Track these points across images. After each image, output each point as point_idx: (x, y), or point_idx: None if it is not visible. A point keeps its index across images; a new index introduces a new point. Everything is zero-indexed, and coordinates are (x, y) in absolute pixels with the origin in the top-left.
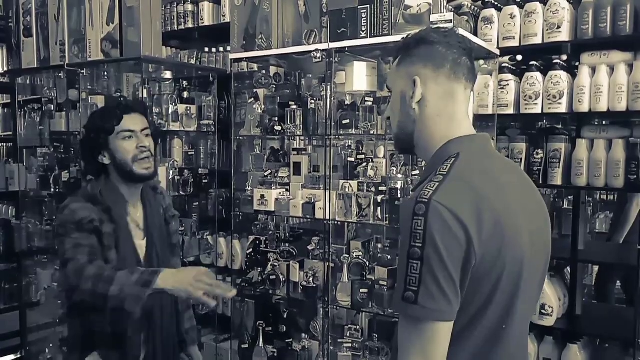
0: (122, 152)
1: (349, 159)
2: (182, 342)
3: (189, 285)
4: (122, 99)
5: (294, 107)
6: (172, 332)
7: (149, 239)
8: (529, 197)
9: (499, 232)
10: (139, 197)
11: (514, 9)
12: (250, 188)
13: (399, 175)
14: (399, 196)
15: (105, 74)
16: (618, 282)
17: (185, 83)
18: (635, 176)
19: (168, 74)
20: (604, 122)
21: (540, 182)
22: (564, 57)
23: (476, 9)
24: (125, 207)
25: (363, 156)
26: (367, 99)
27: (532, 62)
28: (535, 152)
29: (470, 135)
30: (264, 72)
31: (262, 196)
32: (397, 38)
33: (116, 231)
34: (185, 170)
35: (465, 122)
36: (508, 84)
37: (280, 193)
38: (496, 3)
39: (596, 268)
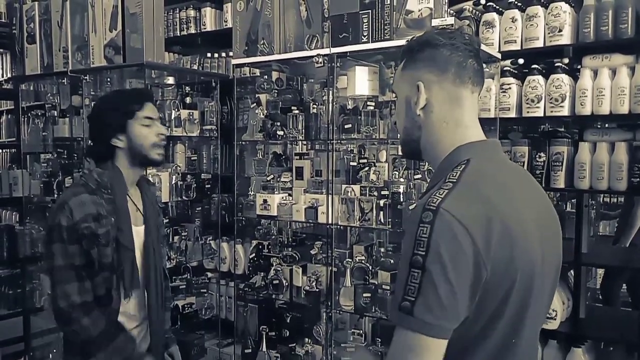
0: (141, 137)
1: (351, 163)
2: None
3: None
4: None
5: (296, 111)
6: (163, 327)
7: (147, 226)
8: (540, 206)
9: (509, 243)
10: (135, 183)
11: (516, 13)
12: (252, 193)
13: (402, 180)
14: (402, 200)
15: (108, 80)
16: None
17: (187, 88)
18: (638, 179)
19: (170, 80)
20: (606, 125)
21: (543, 186)
22: (566, 61)
23: (477, 13)
24: (126, 191)
25: (365, 160)
26: (369, 103)
27: (533, 66)
28: (537, 156)
29: (481, 141)
30: (266, 77)
31: (265, 201)
32: (398, 43)
33: (117, 220)
34: (188, 175)
35: (473, 128)
36: (510, 88)
37: (282, 198)
38: (497, 7)
39: (600, 271)
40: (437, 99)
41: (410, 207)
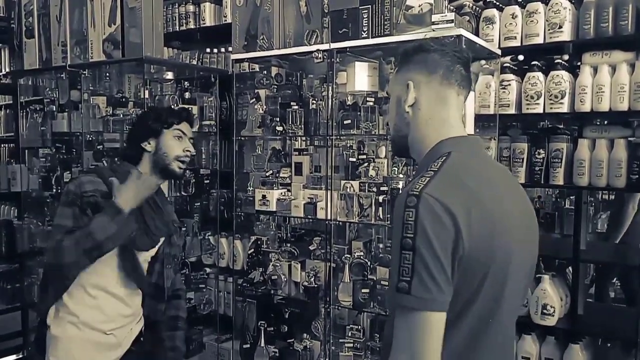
0: (168, 147)
1: (351, 159)
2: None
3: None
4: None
5: (296, 107)
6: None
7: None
8: (517, 198)
9: (489, 227)
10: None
11: (516, 9)
12: (251, 188)
13: (401, 175)
14: None
15: (107, 74)
16: (616, 281)
17: (186, 83)
18: (637, 176)
19: (170, 75)
20: (605, 122)
21: (542, 182)
22: (566, 57)
23: (478, 9)
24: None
25: (364, 156)
26: (368, 99)
27: (533, 62)
28: (537, 152)
29: (462, 136)
30: (265, 72)
31: (264, 196)
32: (398, 38)
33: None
34: (187, 171)
35: (457, 126)
36: (510, 84)
37: (281, 193)
38: (498, 3)
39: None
40: (425, 98)
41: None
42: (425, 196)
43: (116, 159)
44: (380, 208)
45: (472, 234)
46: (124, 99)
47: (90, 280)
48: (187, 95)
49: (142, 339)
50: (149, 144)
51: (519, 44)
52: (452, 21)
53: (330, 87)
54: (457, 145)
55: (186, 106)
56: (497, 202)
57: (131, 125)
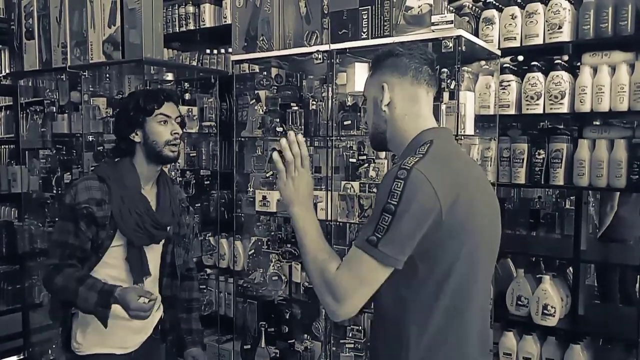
0: (156, 134)
1: (351, 159)
2: (182, 343)
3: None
4: (160, 86)
5: (296, 108)
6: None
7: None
8: (486, 185)
9: (466, 205)
10: (155, 180)
11: (515, 10)
12: (252, 189)
13: None
14: None
15: (107, 76)
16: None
17: (186, 85)
18: (637, 176)
19: (169, 76)
20: (605, 122)
21: (542, 183)
22: (565, 58)
23: (477, 9)
24: (139, 185)
25: (364, 157)
26: None
27: (533, 63)
28: (537, 153)
29: (439, 127)
30: (265, 73)
31: (264, 197)
32: (398, 39)
33: (122, 209)
34: (187, 172)
35: (430, 119)
36: (509, 85)
37: None
38: (497, 4)
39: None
40: (399, 97)
41: None
42: (415, 171)
43: (115, 155)
44: None
45: (451, 210)
46: (160, 86)
47: (110, 273)
48: (187, 96)
49: (160, 326)
50: (137, 134)
51: (518, 45)
52: (451, 22)
53: (330, 88)
54: (437, 135)
55: (167, 87)
56: (475, 186)
57: (115, 117)
